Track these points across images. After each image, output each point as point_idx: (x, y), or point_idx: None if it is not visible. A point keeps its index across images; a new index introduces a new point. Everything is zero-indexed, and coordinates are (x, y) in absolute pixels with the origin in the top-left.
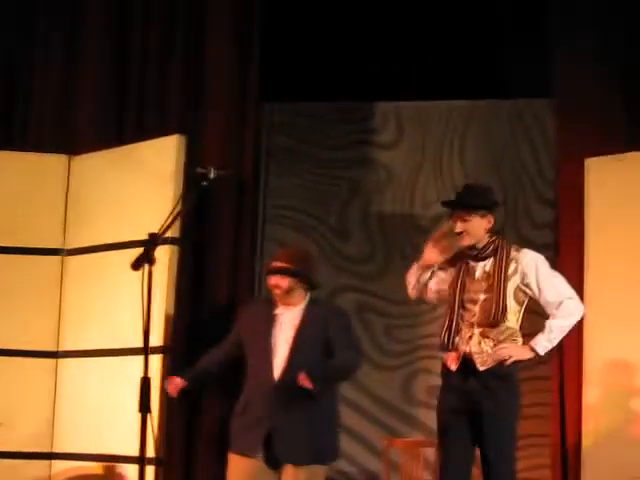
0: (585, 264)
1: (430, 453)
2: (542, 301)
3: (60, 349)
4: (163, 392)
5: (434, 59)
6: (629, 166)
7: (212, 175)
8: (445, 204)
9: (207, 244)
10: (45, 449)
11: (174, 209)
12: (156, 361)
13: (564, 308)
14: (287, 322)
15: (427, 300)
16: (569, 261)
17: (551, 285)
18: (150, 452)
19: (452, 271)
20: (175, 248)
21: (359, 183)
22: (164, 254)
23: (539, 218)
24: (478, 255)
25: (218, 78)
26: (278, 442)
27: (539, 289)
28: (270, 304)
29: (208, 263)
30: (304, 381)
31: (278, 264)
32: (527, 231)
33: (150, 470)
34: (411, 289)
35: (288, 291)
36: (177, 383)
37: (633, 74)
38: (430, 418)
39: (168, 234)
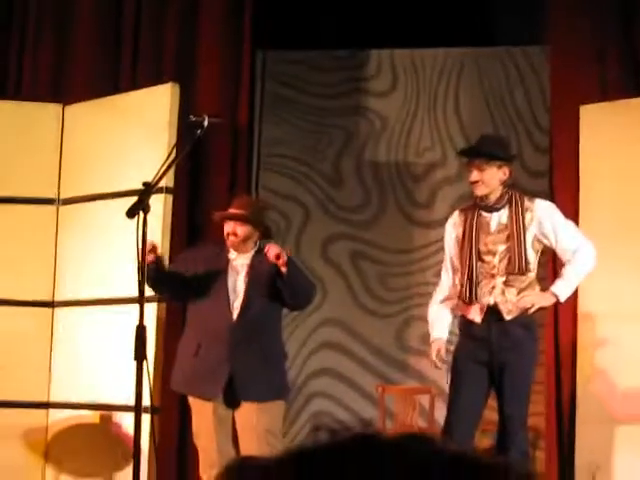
0: (580, 212)
1: (425, 400)
2: (558, 248)
3: (56, 299)
4: (159, 340)
5: (429, 6)
6: (623, 112)
7: (206, 123)
8: (463, 152)
9: (201, 192)
10: (42, 398)
11: (168, 158)
12: (151, 310)
13: (581, 254)
14: (241, 267)
15: None
16: (563, 208)
17: (566, 232)
18: (146, 400)
19: (460, 223)
20: (169, 197)
21: (353, 131)
22: (158, 203)
23: (534, 166)
24: (492, 206)
25: (212, 26)
26: (239, 383)
27: (555, 237)
28: (220, 248)
29: (202, 211)
30: (274, 253)
31: (236, 211)
32: (522, 179)
33: (146, 418)
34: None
35: (244, 239)
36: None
37: (627, 20)
38: (424, 366)
39: (162, 183)
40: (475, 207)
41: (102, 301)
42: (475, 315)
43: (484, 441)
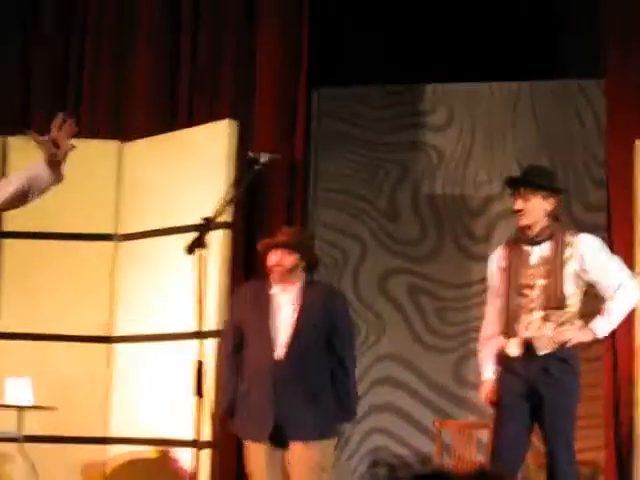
0: (636, 245)
1: (482, 435)
2: (600, 285)
3: (114, 334)
4: (217, 376)
5: (484, 40)
6: None
7: (264, 159)
8: (508, 182)
9: (259, 228)
10: (100, 434)
11: (227, 194)
12: (210, 345)
13: (623, 291)
14: (285, 302)
15: None
16: (620, 242)
17: (608, 270)
18: (205, 436)
19: (503, 257)
20: (228, 232)
21: (409, 165)
22: (217, 239)
23: (591, 199)
24: (534, 239)
25: (268, 63)
26: (286, 424)
27: (598, 273)
28: (263, 284)
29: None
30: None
31: (285, 238)
32: (579, 212)
33: (204, 454)
34: None
35: (290, 269)
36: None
37: None
38: (482, 400)
39: (221, 219)
40: (518, 240)
41: (160, 336)
42: (514, 349)
43: (540, 476)
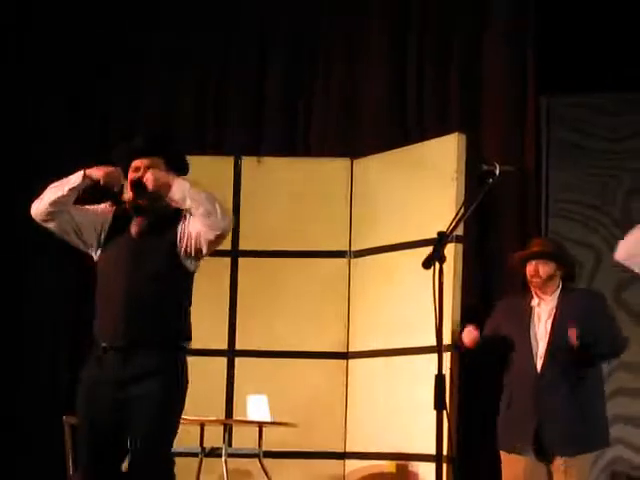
0: None
1: None
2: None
3: (350, 350)
4: (456, 390)
5: None
6: None
7: (498, 172)
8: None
9: (490, 240)
10: (339, 449)
11: (461, 207)
12: (447, 359)
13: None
14: (544, 313)
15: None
16: None
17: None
18: (445, 450)
19: None
20: (459, 246)
21: None
22: (450, 252)
23: None
24: None
25: (495, 73)
26: (547, 434)
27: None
28: (524, 297)
29: (492, 260)
30: (572, 334)
31: (538, 249)
32: None
33: (445, 468)
34: None
35: (548, 278)
36: (475, 335)
37: None
38: None
39: (455, 232)
40: None
41: (396, 351)
42: None
43: None
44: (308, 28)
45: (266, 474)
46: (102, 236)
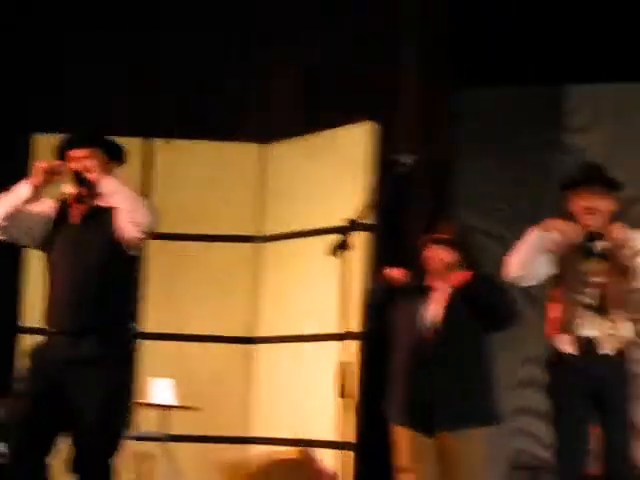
0: None
1: None
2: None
3: (256, 335)
4: (360, 377)
5: (631, 39)
6: None
7: (407, 162)
8: (590, 176)
9: (401, 230)
10: (242, 434)
11: (370, 196)
12: (353, 347)
13: None
14: (440, 295)
15: (527, 281)
16: None
17: None
18: (348, 437)
19: (562, 251)
20: (368, 234)
21: (553, 167)
22: (359, 240)
23: None
24: (594, 235)
25: (410, 65)
26: (436, 411)
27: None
28: (421, 278)
29: (401, 249)
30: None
31: (444, 236)
32: None
33: (347, 454)
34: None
35: (448, 265)
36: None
37: None
38: None
39: (363, 221)
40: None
41: (302, 337)
42: (569, 346)
43: None
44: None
45: (170, 458)
46: (49, 230)
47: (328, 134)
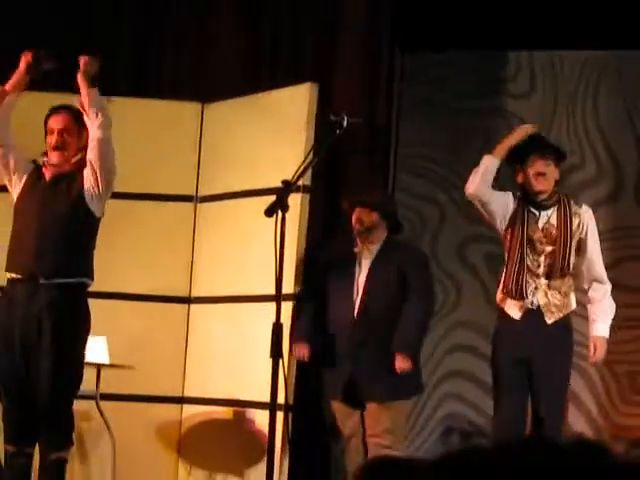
0: None
1: None
2: (584, 263)
3: (192, 295)
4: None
5: (570, 8)
6: None
7: (345, 123)
8: (540, 145)
9: (338, 192)
10: (176, 393)
11: (307, 157)
12: (287, 308)
13: (605, 293)
14: (365, 263)
15: (479, 197)
16: None
17: (597, 254)
18: (281, 398)
19: (506, 209)
20: (306, 196)
21: (491, 132)
22: (296, 202)
23: None
24: (542, 203)
25: (351, 27)
26: (360, 382)
27: (588, 251)
28: (347, 243)
29: (339, 211)
30: (402, 365)
31: (365, 198)
32: None
33: (280, 415)
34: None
35: (371, 227)
36: (305, 349)
37: None
38: None
39: (300, 182)
40: (524, 202)
41: (238, 298)
42: (515, 312)
43: (618, 447)
44: None
45: (103, 416)
46: (24, 178)
47: (268, 95)
